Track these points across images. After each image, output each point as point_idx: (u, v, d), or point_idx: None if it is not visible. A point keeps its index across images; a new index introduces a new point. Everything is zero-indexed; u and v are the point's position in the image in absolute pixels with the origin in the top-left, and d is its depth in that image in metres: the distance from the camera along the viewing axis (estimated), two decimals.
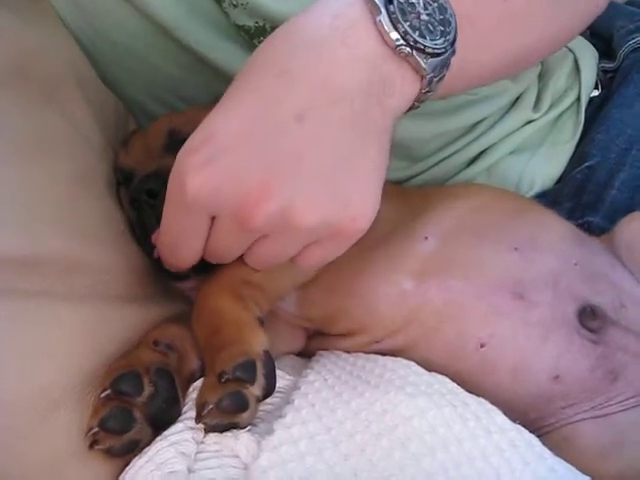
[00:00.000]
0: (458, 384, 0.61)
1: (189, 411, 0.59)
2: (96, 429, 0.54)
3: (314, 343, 0.75)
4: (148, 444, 0.56)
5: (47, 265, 0.57)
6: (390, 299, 0.69)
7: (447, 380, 0.62)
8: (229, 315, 0.61)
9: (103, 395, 0.55)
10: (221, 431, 0.55)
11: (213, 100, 0.84)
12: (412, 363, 0.64)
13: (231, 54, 0.81)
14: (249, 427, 0.56)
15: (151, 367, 0.58)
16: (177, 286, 0.76)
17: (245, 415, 0.55)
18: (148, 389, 0.57)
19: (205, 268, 0.67)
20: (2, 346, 0.52)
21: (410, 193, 0.83)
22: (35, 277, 0.56)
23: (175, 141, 0.77)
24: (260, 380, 0.56)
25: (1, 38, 0.65)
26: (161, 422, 0.57)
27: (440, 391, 0.59)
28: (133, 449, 0.55)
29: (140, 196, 0.69)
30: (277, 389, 0.60)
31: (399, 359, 0.65)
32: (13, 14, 0.68)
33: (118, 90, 0.86)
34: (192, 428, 0.56)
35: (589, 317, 0.66)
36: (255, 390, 0.55)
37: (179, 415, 0.59)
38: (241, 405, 0.55)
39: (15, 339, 0.53)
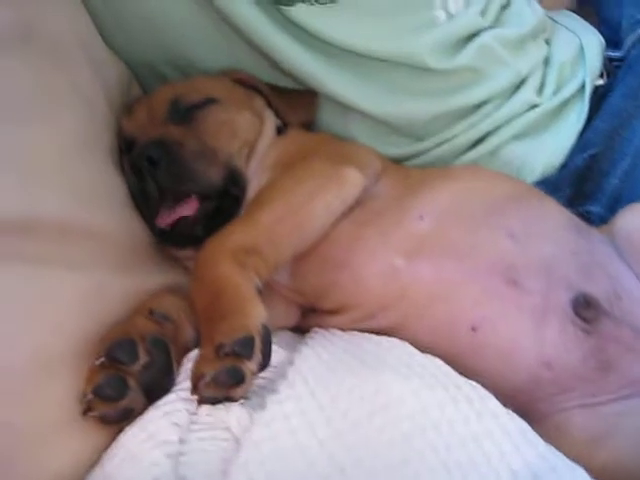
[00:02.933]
0: (450, 366, 0.61)
1: (183, 382, 0.59)
2: (90, 396, 0.54)
3: (308, 320, 0.75)
4: (141, 413, 0.56)
5: (45, 230, 0.57)
6: (380, 274, 0.69)
7: (441, 363, 0.62)
8: (229, 283, 0.60)
9: (98, 362, 0.55)
10: (214, 403, 0.56)
11: (218, 72, 0.85)
12: (406, 344, 0.64)
13: (252, 17, 0.80)
14: (242, 400, 0.56)
15: (147, 336, 0.58)
16: (175, 254, 0.76)
17: (240, 389, 0.55)
18: (143, 358, 0.57)
19: (202, 237, 0.67)
20: None
21: (409, 172, 0.83)
22: (33, 242, 0.56)
23: (178, 110, 0.76)
24: (257, 356, 0.56)
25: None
26: (155, 391, 0.57)
27: (434, 373, 0.60)
28: (127, 417, 0.55)
29: (140, 163, 0.68)
30: (271, 364, 0.59)
31: (393, 339, 0.65)
32: None
33: (126, 51, 0.85)
34: (185, 399, 0.56)
35: (583, 307, 0.66)
36: (252, 365, 0.55)
37: (173, 385, 0.59)
38: (237, 380, 0.55)
39: (11, 305, 0.52)
